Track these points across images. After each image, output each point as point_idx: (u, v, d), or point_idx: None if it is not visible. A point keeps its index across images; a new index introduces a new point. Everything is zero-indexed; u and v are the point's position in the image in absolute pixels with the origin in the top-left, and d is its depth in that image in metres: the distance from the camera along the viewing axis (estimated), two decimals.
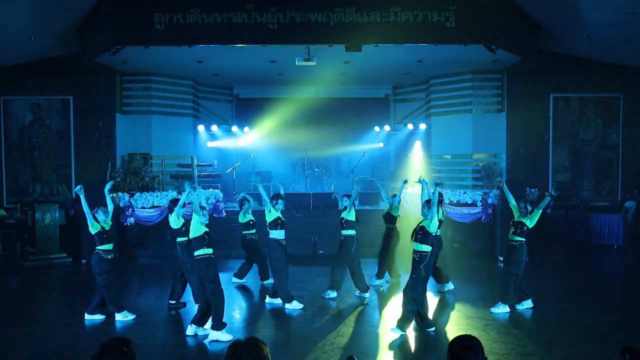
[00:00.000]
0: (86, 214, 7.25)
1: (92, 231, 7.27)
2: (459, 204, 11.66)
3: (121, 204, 11.60)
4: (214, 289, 6.54)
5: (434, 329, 6.78)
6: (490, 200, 11.74)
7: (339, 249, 8.41)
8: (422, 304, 6.77)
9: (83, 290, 9.09)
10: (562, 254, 12.04)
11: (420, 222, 6.74)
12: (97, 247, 7.30)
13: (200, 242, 6.60)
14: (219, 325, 6.50)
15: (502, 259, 10.36)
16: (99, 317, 7.29)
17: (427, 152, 15.66)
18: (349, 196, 8.48)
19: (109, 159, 13.57)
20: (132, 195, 11.83)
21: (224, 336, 6.45)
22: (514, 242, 7.63)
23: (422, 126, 15.79)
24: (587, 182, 13.98)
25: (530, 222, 7.56)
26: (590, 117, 13.96)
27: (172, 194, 11.75)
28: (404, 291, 6.79)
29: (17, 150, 13.79)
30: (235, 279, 9.46)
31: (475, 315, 7.45)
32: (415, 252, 6.69)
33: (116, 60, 12.35)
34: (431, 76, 15.15)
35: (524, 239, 7.59)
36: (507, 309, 7.53)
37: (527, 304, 7.71)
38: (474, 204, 11.57)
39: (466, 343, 2.71)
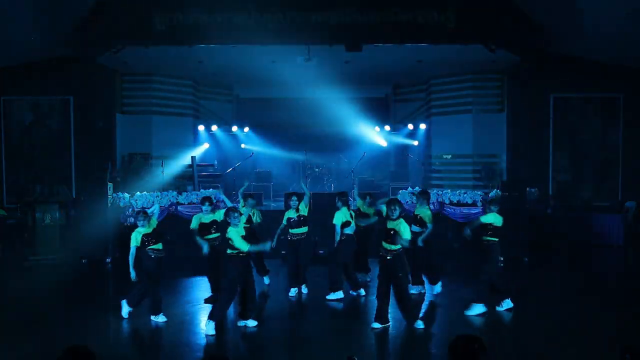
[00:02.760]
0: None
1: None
2: (459, 204, 11.64)
3: (121, 204, 11.58)
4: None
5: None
6: None
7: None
8: None
9: (83, 290, 9.12)
10: (562, 254, 12.02)
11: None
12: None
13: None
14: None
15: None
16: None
17: (427, 152, 15.66)
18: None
19: (109, 159, 13.54)
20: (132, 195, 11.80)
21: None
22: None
23: (422, 126, 15.79)
24: (588, 182, 13.96)
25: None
26: (590, 117, 13.93)
27: (173, 194, 11.74)
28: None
29: (17, 150, 13.77)
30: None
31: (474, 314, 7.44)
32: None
33: (116, 60, 12.36)
34: (431, 76, 15.15)
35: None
36: None
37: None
38: (474, 204, 11.56)
39: (476, 345, 2.66)
